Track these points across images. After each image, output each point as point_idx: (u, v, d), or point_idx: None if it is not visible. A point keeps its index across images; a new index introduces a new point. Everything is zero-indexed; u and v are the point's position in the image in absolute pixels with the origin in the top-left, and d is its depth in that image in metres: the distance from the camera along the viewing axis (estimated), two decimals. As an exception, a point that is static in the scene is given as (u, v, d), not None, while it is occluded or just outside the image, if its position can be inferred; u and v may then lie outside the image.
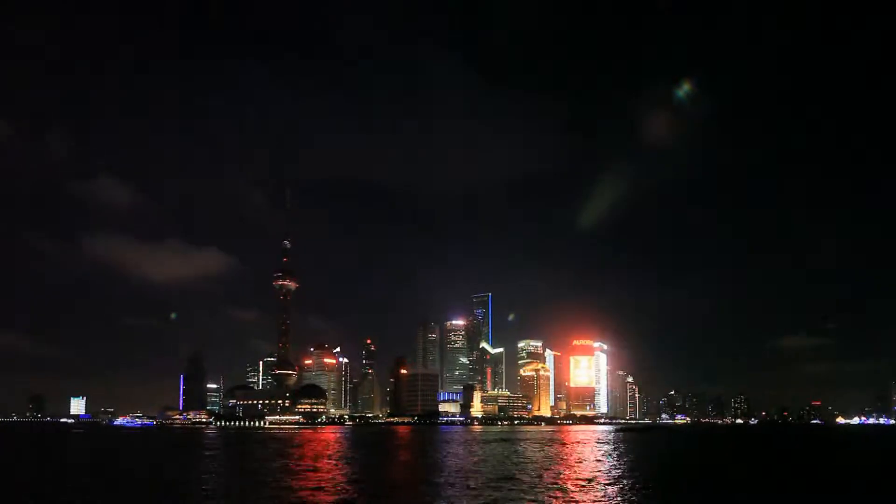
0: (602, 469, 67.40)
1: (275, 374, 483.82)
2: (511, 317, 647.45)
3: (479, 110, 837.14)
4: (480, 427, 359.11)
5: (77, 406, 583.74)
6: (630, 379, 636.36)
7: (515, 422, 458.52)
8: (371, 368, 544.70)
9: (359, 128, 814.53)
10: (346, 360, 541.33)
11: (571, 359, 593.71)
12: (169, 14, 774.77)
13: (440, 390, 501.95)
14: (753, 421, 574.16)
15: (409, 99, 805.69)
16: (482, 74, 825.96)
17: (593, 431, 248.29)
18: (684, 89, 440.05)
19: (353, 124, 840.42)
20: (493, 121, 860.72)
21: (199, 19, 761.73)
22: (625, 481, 54.72)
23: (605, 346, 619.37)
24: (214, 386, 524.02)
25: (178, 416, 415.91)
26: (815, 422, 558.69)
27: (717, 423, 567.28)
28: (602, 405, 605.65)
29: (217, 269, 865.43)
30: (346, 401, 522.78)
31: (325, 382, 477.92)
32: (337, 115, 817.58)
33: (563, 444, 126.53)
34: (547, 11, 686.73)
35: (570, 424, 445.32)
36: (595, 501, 42.69)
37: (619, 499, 44.03)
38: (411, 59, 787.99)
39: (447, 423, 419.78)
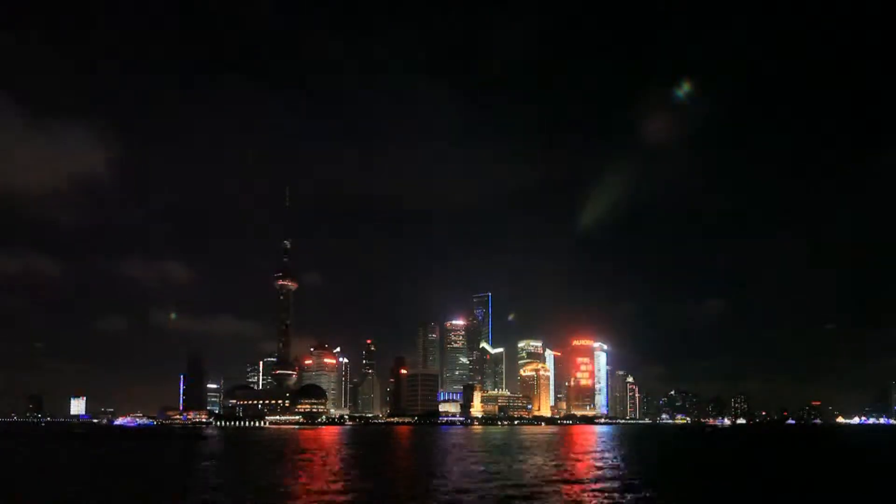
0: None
1: (275, 374, 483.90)
2: (511, 317, 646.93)
3: (478, 116, 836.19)
4: (480, 427, 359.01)
5: (77, 406, 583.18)
6: (630, 379, 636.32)
7: (515, 422, 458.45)
8: (371, 368, 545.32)
9: (358, 150, 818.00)
10: (346, 360, 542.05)
11: (571, 359, 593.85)
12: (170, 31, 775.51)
13: (440, 390, 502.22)
14: (742, 420, 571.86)
15: (409, 110, 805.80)
16: (480, 74, 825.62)
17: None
18: (684, 89, 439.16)
19: (352, 147, 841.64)
20: (492, 125, 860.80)
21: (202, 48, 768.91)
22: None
23: (605, 346, 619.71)
24: (214, 386, 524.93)
25: (178, 416, 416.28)
26: (816, 421, 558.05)
27: (713, 423, 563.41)
28: (602, 405, 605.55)
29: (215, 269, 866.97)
30: (346, 401, 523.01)
31: (325, 382, 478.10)
32: (336, 139, 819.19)
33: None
34: (546, 12, 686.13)
35: (570, 424, 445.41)
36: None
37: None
38: (411, 76, 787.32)
39: (447, 423, 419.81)
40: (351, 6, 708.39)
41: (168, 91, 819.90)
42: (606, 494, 44.15)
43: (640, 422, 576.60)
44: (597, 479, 53.84)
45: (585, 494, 44.06)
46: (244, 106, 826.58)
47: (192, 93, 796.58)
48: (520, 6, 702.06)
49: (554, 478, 54.83)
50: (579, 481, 52.29)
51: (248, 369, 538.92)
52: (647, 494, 44.94)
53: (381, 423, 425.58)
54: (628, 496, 43.30)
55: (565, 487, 47.74)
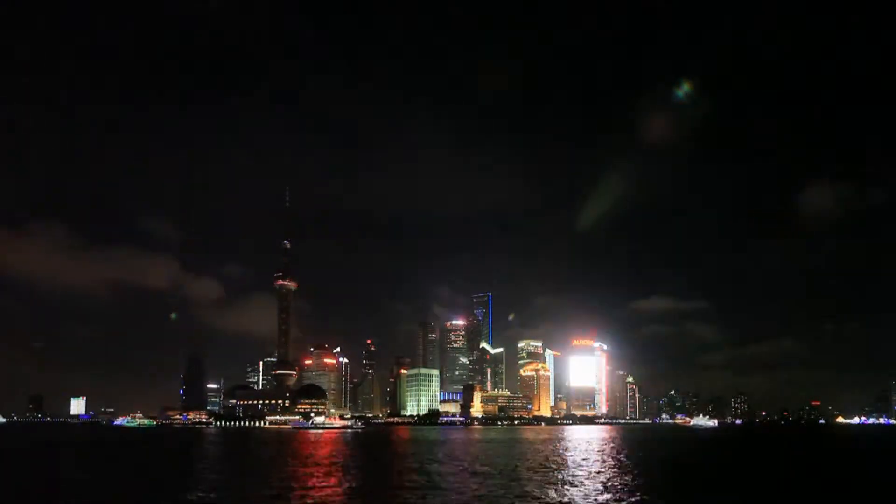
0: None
1: (275, 374, 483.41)
2: (511, 317, 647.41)
3: (477, 118, 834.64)
4: (480, 427, 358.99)
5: (77, 406, 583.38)
6: (630, 379, 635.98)
7: (515, 422, 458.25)
8: (371, 368, 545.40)
9: (358, 153, 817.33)
10: (346, 360, 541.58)
11: (571, 359, 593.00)
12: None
13: (440, 390, 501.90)
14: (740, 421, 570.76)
15: (408, 119, 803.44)
16: (480, 75, 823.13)
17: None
18: (684, 89, 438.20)
19: (352, 150, 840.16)
20: (492, 127, 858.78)
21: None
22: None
23: (605, 346, 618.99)
24: (214, 386, 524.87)
25: (178, 416, 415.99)
26: (821, 422, 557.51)
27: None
28: (602, 405, 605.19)
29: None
30: (346, 401, 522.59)
31: (325, 382, 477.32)
32: (337, 142, 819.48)
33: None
34: (546, 12, 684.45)
35: (570, 425, 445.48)
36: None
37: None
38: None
39: (447, 423, 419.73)
40: (351, 46, 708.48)
41: (168, 97, 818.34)
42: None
43: (640, 422, 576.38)
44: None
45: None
46: (244, 112, 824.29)
47: (193, 95, 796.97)
48: (521, 8, 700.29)
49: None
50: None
51: (248, 369, 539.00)
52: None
53: (381, 423, 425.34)
54: None
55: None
